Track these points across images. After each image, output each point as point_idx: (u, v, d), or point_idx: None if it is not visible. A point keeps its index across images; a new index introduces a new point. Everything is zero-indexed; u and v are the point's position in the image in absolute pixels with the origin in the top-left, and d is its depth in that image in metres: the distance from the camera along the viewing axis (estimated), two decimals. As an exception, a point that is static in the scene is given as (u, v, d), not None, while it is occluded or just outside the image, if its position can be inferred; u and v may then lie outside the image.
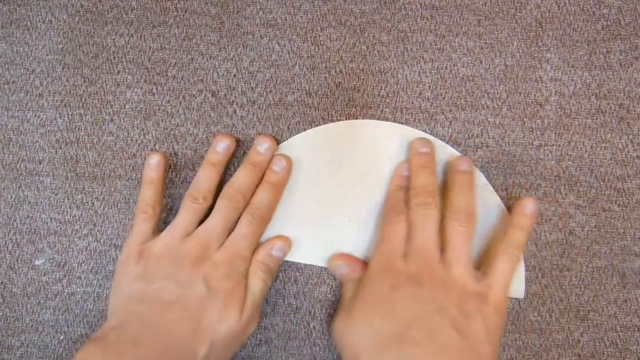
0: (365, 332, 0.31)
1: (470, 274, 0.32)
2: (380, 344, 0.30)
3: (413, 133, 0.38)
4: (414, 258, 0.32)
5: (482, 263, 0.35)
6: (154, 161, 0.35)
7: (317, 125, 0.38)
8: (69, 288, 0.37)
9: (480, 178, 0.37)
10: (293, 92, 0.39)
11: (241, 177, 0.35)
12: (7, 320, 0.37)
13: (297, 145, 0.38)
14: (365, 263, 0.36)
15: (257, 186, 0.35)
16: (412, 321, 0.30)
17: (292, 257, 0.37)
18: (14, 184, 0.38)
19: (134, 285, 0.32)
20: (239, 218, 0.35)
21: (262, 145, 0.36)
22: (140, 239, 0.34)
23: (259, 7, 0.40)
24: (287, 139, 0.38)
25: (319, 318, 0.37)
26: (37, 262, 0.37)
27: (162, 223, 0.37)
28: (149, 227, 0.34)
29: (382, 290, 0.32)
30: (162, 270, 0.33)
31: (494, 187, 0.38)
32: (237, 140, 0.38)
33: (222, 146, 0.36)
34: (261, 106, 0.39)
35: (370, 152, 0.37)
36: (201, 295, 0.32)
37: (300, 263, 0.37)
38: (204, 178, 0.35)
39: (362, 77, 0.39)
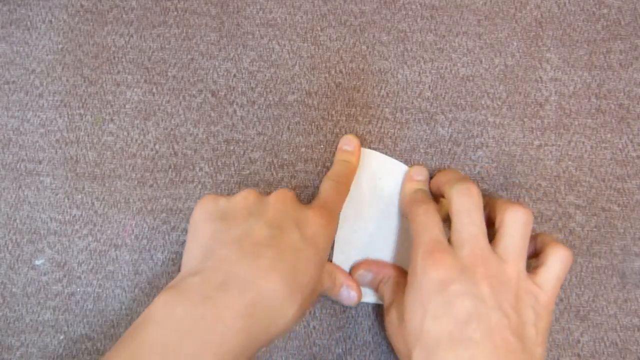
0: (417, 332, 0.29)
1: (524, 272, 0.30)
2: (434, 343, 0.28)
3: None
4: (463, 249, 0.30)
5: None
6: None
7: (317, 125, 0.38)
8: (69, 288, 0.37)
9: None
10: (293, 92, 0.39)
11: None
12: (7, 320, 0.37)
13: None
14: (391, 265, 0.36)
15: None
16: (468, 319, 0.28)
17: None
18: (14, 184, 0.38)
19: (215, 226, 0.30)
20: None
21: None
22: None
23: (259, 7, 0.40)
24: (287, 139, 0.38)
25: (319, 318, 0.37)
26: (37, 262, 0.37)
27: (162, 224, 0.37)
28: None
29: (430, 287, 0.29)
30: (245, 211, 0.31)
31: (494, 187, 0.38)
32: None
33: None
34: (261, 106, 0.39)
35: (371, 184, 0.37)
36: (295, 242, 0.29)
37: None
38: None
39: (362, 77, 0.39)
